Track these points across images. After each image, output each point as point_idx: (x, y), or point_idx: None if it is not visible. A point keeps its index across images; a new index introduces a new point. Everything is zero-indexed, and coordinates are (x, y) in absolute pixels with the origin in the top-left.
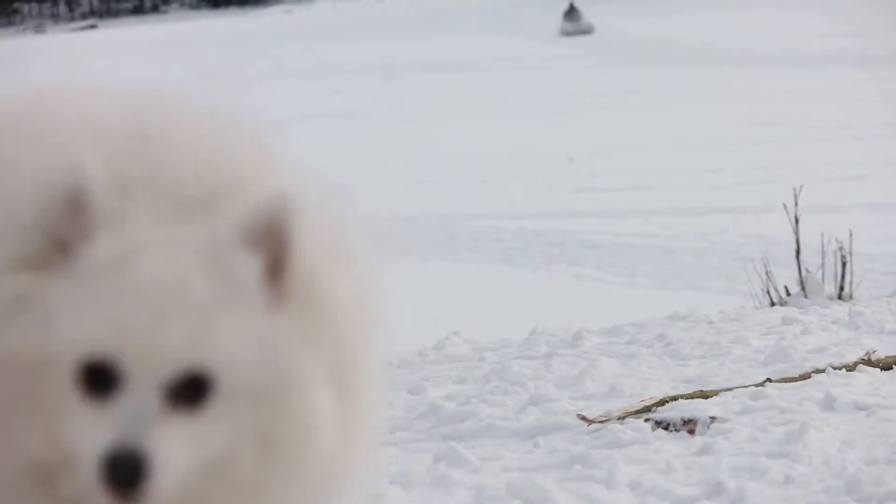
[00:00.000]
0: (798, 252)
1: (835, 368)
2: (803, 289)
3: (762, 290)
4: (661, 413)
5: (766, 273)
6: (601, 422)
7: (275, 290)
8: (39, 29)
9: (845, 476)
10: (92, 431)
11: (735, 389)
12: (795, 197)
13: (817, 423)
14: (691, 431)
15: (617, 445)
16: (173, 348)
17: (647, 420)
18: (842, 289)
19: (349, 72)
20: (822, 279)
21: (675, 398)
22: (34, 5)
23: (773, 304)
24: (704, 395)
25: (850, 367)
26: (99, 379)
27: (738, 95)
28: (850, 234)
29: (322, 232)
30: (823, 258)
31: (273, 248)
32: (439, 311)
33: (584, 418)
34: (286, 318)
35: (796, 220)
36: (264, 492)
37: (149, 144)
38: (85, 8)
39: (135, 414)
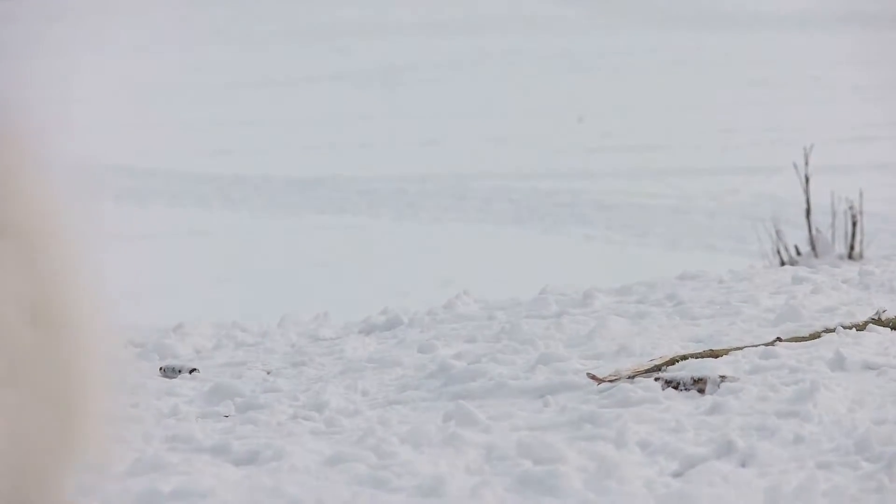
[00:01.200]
0: (808, 212)
1: (845, 328)
2: (814, 248)
3: (772, 249)
4: (671, 372)
5: (777, 233)
6: (611, 381)
7: None
8: None
9: (855, 435)
10: None
11: (745, 349)
12: (806, 157)
13: (827, 382)
14: (701, 390)
15: (627, 404)
16: None
17: (656, 379)
18: (852, 248)
19: (355, 32)
20: (833, 239)
21: (685, 357)
22: None
23: (783, 263)
24: (714, 355)
25: (861, 327)
26: None
27: (749, 56)
28: (861, 194)
29: None
30: (834, 218)
31: None
32: (450, 270)
33: (593, 377)
34: None
35: (807, 180)
36: None
37: None
38: None
39: None
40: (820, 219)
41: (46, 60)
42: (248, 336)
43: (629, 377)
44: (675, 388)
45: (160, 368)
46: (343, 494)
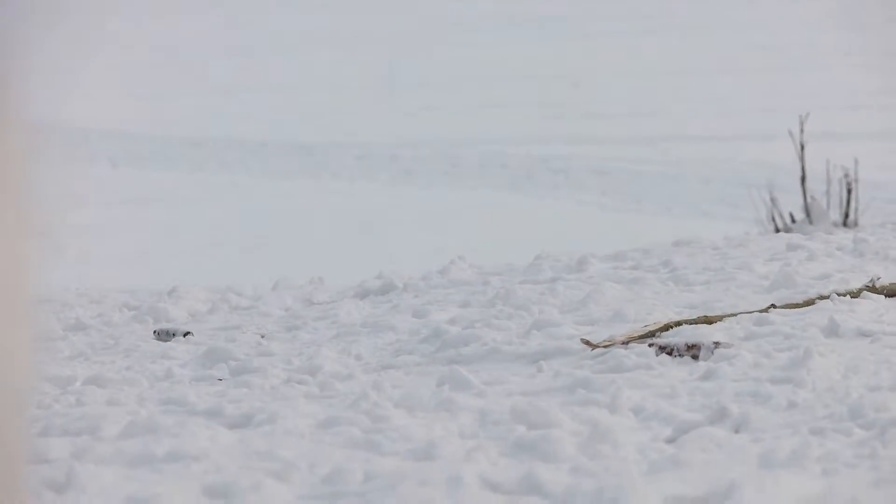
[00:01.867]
0: (803, 179)
1: (839, 295)
2: (808, 216)
3: (767, 216)
4: (665, 338)
5: (772, 200)
6: (605, 346)
7: None
8: None
9: (849, 402)
10: None
11: (739, 315)
12: (801, 124)
13: (821, 349)
14: (695, 357)
15: (621, 370)
16: None
17: (650, 345)
18: (847, 216)
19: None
20: (827, 206)
21: (679, 323)
22: None
23: (777, 230)
24: (708, 321)
25: (855, 294)
26: None
27: (745, 22)
28: (856, 162)
29: None
30: (829, 185)
31: None
32: (444, 236)
33: (587, 343)
34: None
35: (802, 147)
36: None
37: None
38: None
39: None
40: (815, 186)
41: (39, 31)
42: (242, 300)
43: (623, 343)
44: (669, 354)
45: (154, 332)
46: (336, 458)
